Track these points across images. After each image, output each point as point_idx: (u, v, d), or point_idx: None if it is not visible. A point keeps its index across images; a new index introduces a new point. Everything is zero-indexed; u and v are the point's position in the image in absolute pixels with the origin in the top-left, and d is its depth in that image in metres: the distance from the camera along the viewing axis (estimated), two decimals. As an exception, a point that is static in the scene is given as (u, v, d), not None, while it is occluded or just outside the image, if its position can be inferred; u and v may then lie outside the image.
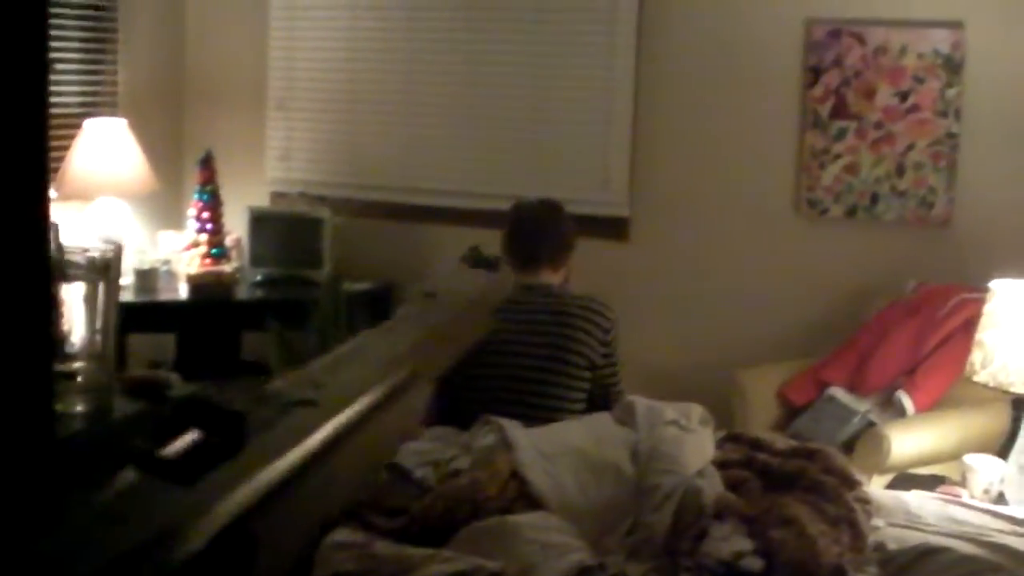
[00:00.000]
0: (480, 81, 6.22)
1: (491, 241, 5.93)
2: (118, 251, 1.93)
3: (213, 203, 6.09)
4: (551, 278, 4.32)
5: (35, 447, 1.39)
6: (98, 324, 1.89)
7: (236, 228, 6.30)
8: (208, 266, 6.04)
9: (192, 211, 6.11)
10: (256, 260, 6.20)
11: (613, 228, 5.99)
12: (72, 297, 1.88)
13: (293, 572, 2.94)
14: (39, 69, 1.37)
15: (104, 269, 1.89)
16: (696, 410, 3.69)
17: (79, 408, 1.88)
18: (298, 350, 5.39)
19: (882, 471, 4.40)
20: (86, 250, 1.89)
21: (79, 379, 1.90)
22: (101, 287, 1.87)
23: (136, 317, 5.59)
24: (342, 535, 3.06)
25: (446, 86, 6.29)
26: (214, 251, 6.07)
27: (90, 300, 1.88)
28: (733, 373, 5.21)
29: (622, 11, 5.89)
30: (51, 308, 1.40)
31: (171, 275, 6.10)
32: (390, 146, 6.42)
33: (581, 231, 5.93)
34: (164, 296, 5.88)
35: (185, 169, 6.63)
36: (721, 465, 3.49)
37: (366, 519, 3.23)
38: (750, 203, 5.76)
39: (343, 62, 6.48)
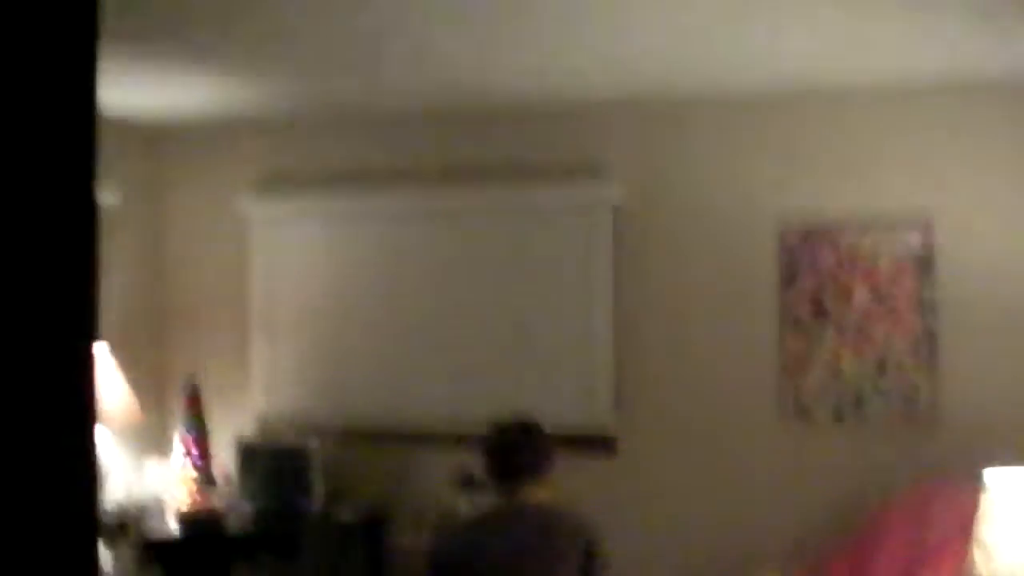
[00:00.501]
0: (463, 302, 6.27)
1: (481, 463, 5.93)
2: (138, 513, 1.92)
3: (200, 434, 6.06)
4: (537, 494, 4.31)
5: None
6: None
7: (224, 453, 6.27)
8: (199, 502, 5.97)
9: (179, 443, 6.07)
10: (246, 493, 6.16)
11: (600, 445, 5.99)
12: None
13: None
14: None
15: (124, 533, 1.89)
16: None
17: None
18: (292, 582, 5.33)
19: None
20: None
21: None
22: (124, 550, 1.86)
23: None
24: None
25: (429, 309, 6.34)
26: (203, 483, 6.01)
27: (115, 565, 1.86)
28: (732, 582, 5.16)
29: (598, 229, 6.00)
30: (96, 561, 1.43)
31: (160, 508, 6.03)
32: (375, 371, 6.44)
33: (568, 449, 5.97)
34: (153, 533, 5.80)
35: (169, 395, 6.63)
36: None
37: None
38: (736, 411, 5.77)
39: (324, 289, 6.54)
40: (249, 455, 6.21)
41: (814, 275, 5.62)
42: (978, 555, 4.02)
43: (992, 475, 3.99)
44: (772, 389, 5.72)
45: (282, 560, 5.36)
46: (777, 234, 5.72)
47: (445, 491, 5.94)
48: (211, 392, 6.30)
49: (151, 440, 6.51)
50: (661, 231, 5.93)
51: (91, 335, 1.51)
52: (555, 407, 6.02)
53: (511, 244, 6.21)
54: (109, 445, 6.05)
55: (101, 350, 5.89)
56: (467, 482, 5.87)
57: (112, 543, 1.66)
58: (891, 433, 5.53)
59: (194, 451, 6.04)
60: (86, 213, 1.49)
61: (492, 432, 4.50)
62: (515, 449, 4.38)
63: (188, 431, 6.06)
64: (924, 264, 5.45)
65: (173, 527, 5.89)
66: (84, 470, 1.49)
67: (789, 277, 5.67)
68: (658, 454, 5.91)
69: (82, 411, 1.50)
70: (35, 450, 1.42)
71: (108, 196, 6.23)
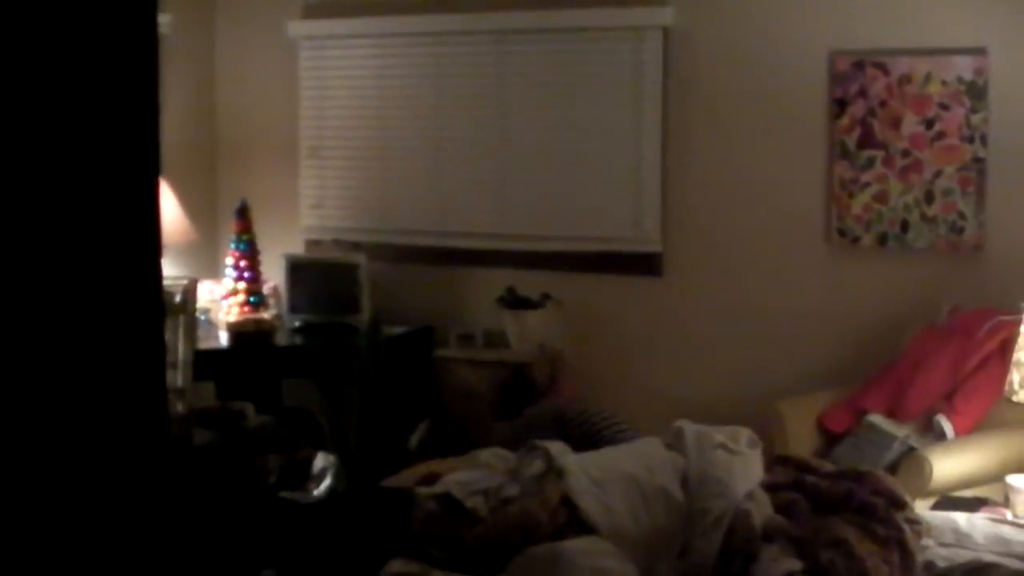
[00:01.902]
0: (510, 124, 6.28)
1: (526, 282, 6.01)
2: (193, 286, 1.99)
3: (250, 252, 6.14)
4: None
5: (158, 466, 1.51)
6: (179, 358, 1.95)
7: (273, 276, 6.37)
8: (247, 313, 6.09)
9: (229, 260, 6.17)
10: (294, 307, 6.26)
11: (646, 264, 6.02)
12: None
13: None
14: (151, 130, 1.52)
15: (182, 306, 1.96)
16: (744, 433, 3.74)
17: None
18: (340, 395, 5.45)
19: (924, 495, 4.41)
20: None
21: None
22: (181, 322, 1.94)
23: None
24: (398, 566, 3.12)
25: (476, 130, 6.35)
26: (252, 299, 6.12)
27: (170, 335, 1.94)
28: (771, 404, 5.22)
29: (648, 51, 5.96)
30: (163, 343, 1.53)
31: (210, 324, 6.16)
32: (422, 191, 6.49)
33: (614, 268, 6.04)
34: (203, 344, 5.92)
35: (221, 219, 6.71)
36: (770, 488, 3.54)
37: (420, 549, 3.30)
38: (781, 234, 5.79)
39: (373, 110, 6.56)
40: (297, 271, 6.28)
41: (864, 102, 5.58)
42: (1016, 376, 4.08)
43: (1034, 302, 4.04)
44: (818, 214, 5.72)
45: (330, 372, 5.48)
46: (828, 60, 5.66)
47: (490, 307, 6.03)
48: (261, 213, 6.34)
49: (204, 262, 6.59)
50: (712, 54, 5.88)
51: (156, 164, 1.57)
52: (602, 227, 6.07)
53: (561, 65, 6.17)
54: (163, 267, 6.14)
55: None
56: (510, 300, 5.96)
57: (172, 315, 1.76)
58: (936, 260, 5.54)
59: (244, 267, 6.13)
60: (148, 42, 1.53)
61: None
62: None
63: (238, 248, 6.15)
64: (976, 92, 5.39)
65: (223, 340, 6.02)
66: (152, 292, 1.56)
67: (838, 103, 5.63)
68: (703, 274, 5.94)
69: (149, 235, 1.56)
70: (109, 271, 1.48)
71: (161, 23, 6.20)
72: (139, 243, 1.54)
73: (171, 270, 6.26)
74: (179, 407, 2.00)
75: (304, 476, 5.18)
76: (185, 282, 2.02)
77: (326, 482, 5.11)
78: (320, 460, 5.24)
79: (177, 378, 1.98)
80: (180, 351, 1.96)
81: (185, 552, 1.91)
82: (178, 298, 1.98)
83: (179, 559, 1.78)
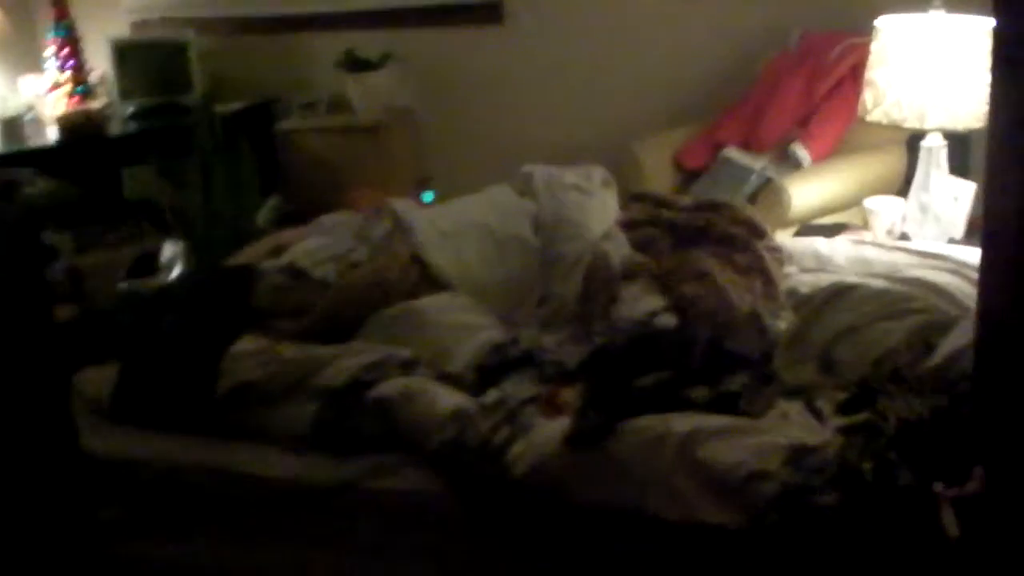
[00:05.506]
0: None
1: (367, 43, 5.78)
2: None
3: (71, 39, 5.88)
4: None
5: None
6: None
7: (99, 63, 6.07)
8: (75, 105, 5.83)
9: (50, 50, 5.88)
10: (125, 93, 6.00)
11: (487, 12, 5.77)
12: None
13: (199, 388, 2.87)
14: None
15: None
16: (597, 172, 3.62)
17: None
18: (182, 179, 5.26)
19: (785, 225, 4.37)
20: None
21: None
22: None
23: (6, 167, 5.35)
24: (244, 344, 2.98)
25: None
26: (79, 89, 5.86)
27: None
28: (625, 145, 5.11)
29: None
30: None
31: (37, 121, 5.86)
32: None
33: (450, 18, 5.81)
34: (32, 143, 5.65)
35: (36, 7, 6.32)
36: (627, 226, 3.43)
37: (268, 325, 3.16)
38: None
39: None
40: (124, 55, 6.01)
41: None
42: (869, 96, 4.00)
43: (885, 20, 3.94)
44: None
45: (169, 157, 5.26)
46: None
47: (331, 73, 5.80)
48: (80, -2, 6.04)
49: (22, 55, 6.23)
50: None
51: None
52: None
53: None
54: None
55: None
56: (349, 62, 5.74)
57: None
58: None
59: (66, 56, 5.85)
60: None
61: None
62: None
63: (57, 36, 5.86)
64: None
65: (53, 136, 5.75)
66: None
67: None
68: (547, 18, 5.70)
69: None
70: None
71: None
72: None
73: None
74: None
75: (153, 266, 5.01)
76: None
77: (176, 270, 4.95)
78: (168, 248, 5.07)
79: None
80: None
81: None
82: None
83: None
